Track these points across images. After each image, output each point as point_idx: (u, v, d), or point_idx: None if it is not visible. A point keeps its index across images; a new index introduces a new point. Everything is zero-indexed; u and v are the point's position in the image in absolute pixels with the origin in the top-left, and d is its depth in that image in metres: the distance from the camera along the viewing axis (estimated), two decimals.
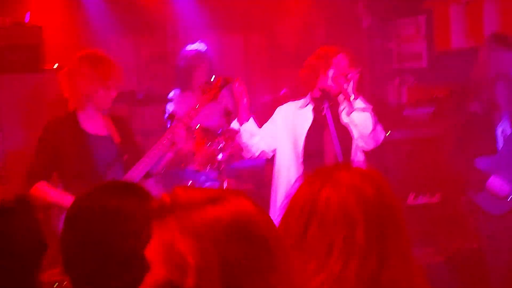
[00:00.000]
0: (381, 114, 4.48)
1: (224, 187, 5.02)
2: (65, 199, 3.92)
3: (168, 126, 5.22)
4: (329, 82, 4.27)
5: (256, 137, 4.31)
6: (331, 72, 4.27)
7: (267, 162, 5.17)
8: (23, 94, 5.51)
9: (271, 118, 4.43)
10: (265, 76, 7.04)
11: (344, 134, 4.28)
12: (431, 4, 6.75)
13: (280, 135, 4.35)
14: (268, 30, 7.15)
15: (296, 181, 1.64)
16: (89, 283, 1.83)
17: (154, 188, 4.35)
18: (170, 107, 5.34)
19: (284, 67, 6.75)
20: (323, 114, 4.23)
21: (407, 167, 5.94)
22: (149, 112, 6.07)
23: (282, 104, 4.52)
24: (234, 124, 4.35)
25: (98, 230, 1.83)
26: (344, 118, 4.33)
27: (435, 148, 5.02)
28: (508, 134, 4.52)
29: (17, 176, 4.59)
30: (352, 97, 4.21)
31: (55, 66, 5.22)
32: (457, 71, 4.89)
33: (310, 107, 4.36)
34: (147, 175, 4.22)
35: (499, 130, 4.53)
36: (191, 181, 5.23)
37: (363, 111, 4.21)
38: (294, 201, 1.60)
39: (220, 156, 5.07)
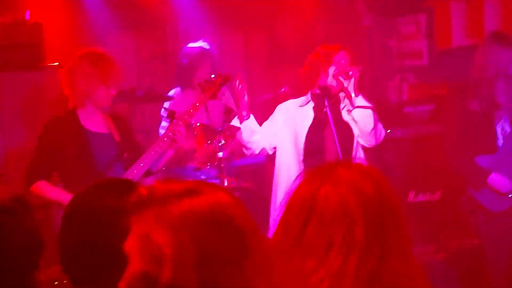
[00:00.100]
0: (381, 112, 4.48)
1: (225, 185, 5.02)
2: (65, 197, 3.92)
3: (163, 121, 5.22)
4: (330, 80, 4.27)
5: (256, 135, 4.31)
6: (331, 70, 4.27)
7: (268, 160, 5.17)
8: (23, 92, 5.51)
9: (271, 116, 4.43)
10: (265, 74, 7.04)
11: (345, 132, 4.28)
12: (432, 2, 6.75)
13: (280, 133, 4.35)
14: (269, 28, 7.15)
15: (296, 179, 1.64)
16: (87, 282, 1.83)
17: None
18: (167, 105, 5.33)
19: (284, 65, 6.74)
20: (324, 112, 4.23)
21: (407, 165, 5.93)
22: (149, 110, 6.06)
23: (282, 102, 4.52)
24: (235, 122, 4.34)
25: (96, 229, 1.83)
26: (345, 115, 4.33)
27: (435, 146, 5.01)
28: (508, 131, 4.52)
29: (17, 174, 4.59)
30: (353, 95, 4.21)
31: (56, 64, 5.21)
32: (458, 69, 4.88)
33: (310, 105, 4.35)
34: (147, 173, 4.22)
35: (498, 128, 4.53)
36: (191, 179, 5.22)
37: (364, 108, 4.21)
38: (294, 198, 1.60)
39: (220, 154, 5.07)
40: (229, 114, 5.15)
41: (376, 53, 7.04)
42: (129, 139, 4.32)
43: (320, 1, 6.86)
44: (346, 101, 4.31)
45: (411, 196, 5.74)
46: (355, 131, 4.30)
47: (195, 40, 5.84)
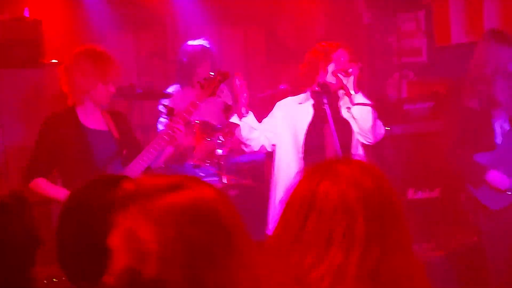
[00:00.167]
0: (381, 109, 4.48)
1: (224, 182, 5.02)
2: (64, 194, 3.91)
3: (162, 118, 5.22)
4: (329, 77, 4.26)
5: (255, 132, 4.31)
6: (331, 67, 4.27)
7: (267, 158, 5.17)
8: (23, 89, 5.52)
9: (270, 113, 4.43)
10: (264, 71, 7.03)
11: (345, 129, 4.28)
12: None
13: (280, 130, 4.34)
14: (268, 25, 7.14)
15: (295, 176, 1.64)
16: (84, 278, 1.83)
17: None
18: (168, 103, 5.33)
19: (283, 62, 6.74)
20: (323, 109, 4.23)
21: (407, 162, 5.94)
22: (148, 107, 6.06)
23: (281, 99, 4.51)
24: (234, 119, 4.34)
25: (93, 225, 1.83)
26: (344, 113, 4.33)
27: (435, 143, 5.01)
28: (507, 129, 4.52)
29: (16, 171, 4.59)
30: (353, 92, 4.21)
31: (55, 61, 5.21)
32: (457, 66, 4.88)
33: (310, 102, 4.35)
34: (147, 170, 4.22)
35: (497, 126, 4.54)
36: None
37: (364, 106, 4.21)
38: (294, 195, 1.60)
39: (219, 151, 5.07)
40: (228, 111, 5.15)
41: (376, 50, 7.03)
42: (128, 136, 4.32)
43: None
44: (346, 98, 4.30)
45: (410, 193, 5.75)
46: (355, 128, 4.30)
47: (194, 38, 5.84)
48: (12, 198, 2.01)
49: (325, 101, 4.22)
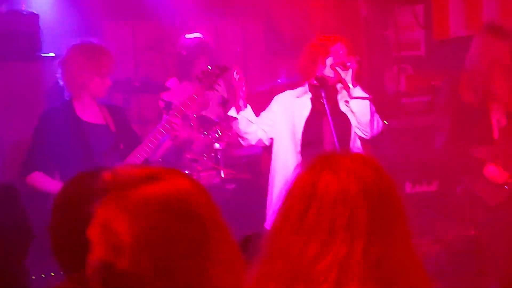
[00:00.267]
0: (379, 103, 4.48)
1: (222, 176, 5.02)
2: None
3: (165, 115, 5.21)
4: (327, 70, 4.25)
5: (253, 126, 4.30)
6: (329, 61, 4.25)
7: (265, 151, 5.16)
8: (19, 83, 5.49)
9: (268, 106, 4.42)
10: (262, 65, 7.02)
11: (343, 123, 4.27)
12: None
13: (278, 123, 4.33)
14: (266, 18, 7.12)
15: (295, 168, 1.63)
16: (78, 269, 1.82)
17: None
18: (165, 96, 5.32)
19: (281, 55, 6.72)
20: (321, 102, 4.22)
21: (404, 156, 5.93)
22: (145, 100, 6.05)
23: (279, 93, 4.50)
24: (232, 112, 4.33)
25: (85, 217, 1.82)
26: (342, 106, 4.32)
27: (432, 137, 5.01)
28: (504, 123, 4.52)
29: (13, 165, 4.58)
30: (351, 85, 4.20)
31: (51, 54, 5.19)
32: (456, 60, 4.87)
33: (308, 96, 4.34)
34: (144, 164, 4.21)
35: (494, 119, 4.54)
36: (187, 171, 5.22)
37: (362, 99, 4.20)
38: (294, 186, 1.59)
39: (217, 145, 5.07)
40: (225, 105, 5.14)
41: (374, 43, 7.02)
42: (126, 130, 4.32)
43: None
44: (344, 92, 4.30)
45: (408, 187, 5.74)
46: (353, 122, 4.30)
47: (191, 30, 5.83)
48: (3, 191, 2.00)
49: (323, 94, 4.21)
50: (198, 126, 5.24)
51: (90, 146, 4.14)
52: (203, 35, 5.78)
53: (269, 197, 4.38)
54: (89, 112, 4.21)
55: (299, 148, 4.29)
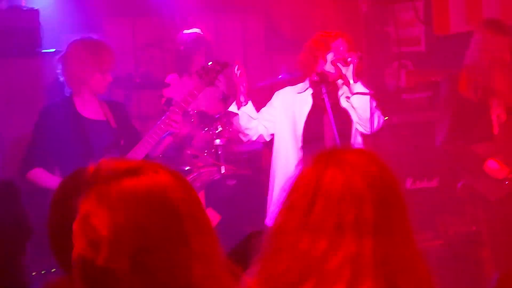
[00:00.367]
0: (379, 99, 4.47)
1: (222, 172, 5.02)
2: None
3: (165, 111, 5.21)
4: (328, 66, 4.25)
5: (254, 121, 4.29)
6: (330, 57, 4.25)
7: (265, 147, 5.16)
8: (20, 79, 5.48)
9: (269, 102, 4.41)
10: (263, 60, 7.01)
11: (344, 119, 4.27)
12: None
13: (278, 119, 4.33)
14: (266, 14, 7.11)
15: (297, 165, 1.63)
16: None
17: None
18: (166, 92, 5.32)
19: (282, 51, 6.71)
20: (322, 98, 4.22)
21: (405, 152, 5.93)
22: (146, 96, 6.05)
23: (280, 89, 4.50)
24: (232, 108, 4.32)
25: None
26: (343, 102, 4.32)
27: (433, 132, 5.01)
28: (504, 118, 4.52)
29: (13, 161, 4.57)
30: (352, 81, 4.19)
31: (52, 50, 5.19)
32: (456, 56, 4.86)
33: (309, 92, 4.34)
34: (144, 160, 4.20)
35: (494, 115, 4.53)
36: (188, 166, 5.22)
37: (363, 95, 4.20)
38: (298, 182, 1.58)
39: (217, 141, 5.06)
40: (226, 101, 5.13)
41: (374, 39, 7.01)
42: (126, 126, 4.32)
43: None
44: (345, 87, 4.29)
45: (408, 183, 5.74)
46: (354, 117, 4.29)
47: (191, 27, 5.83)
48: (2, 188, 2.00)
49: (324, 90, 4.20)
50: (199, 122, 5.24)
51: (90, 142, 4.14)
52: (201, 30, 5.78)
53: (270, 193, 4.38)
54: (90, 108, 4.21)
55: (300, 144, 4.28)
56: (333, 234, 1.50)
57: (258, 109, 4.36)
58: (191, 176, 5.04)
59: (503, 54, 4.47)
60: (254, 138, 4.37)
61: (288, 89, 4.43)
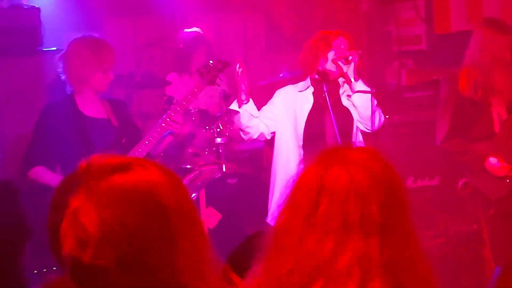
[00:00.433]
0: (380, 97, 4.47)
1: (223, 171, 5.01)
2: None
3: (167, 110, 5.21)
4: (329, 65, 4.25)
5: (255, 120, 4.29)
6: (331, 55, 4.25)
7: (266, 145, 5.16)
8: (21, 77, 5.49)
9: (270, 100, 4.41)
10: (263, 59, 7.01)
11: (344, 117, 4.27)
12: None
13: (279, 118, 4.33)
14: (267, 13, 7.11)
15: (299, 163, 1.62)
16: None
17: None
18: (167, 91, 5.32)
19: (283, 50, 6.71)
20: (323, 97, 4.22)
21: (406, 150, 5.93)
22: (147, 95, 6.05)
23: (281, 87, 4.49)
24: (233, 106, 4.32)
25: None
26: (344, 101, 4.32)
27: (434, 131, 5.00)
28: (504, 117, 4.52)
29: (14, 160, 4.57)
30: (353, 79, 4.19)
31: (53, 49, 5.19)
32: (457, 55, 4.86)
33: (310, 90, 4.34)
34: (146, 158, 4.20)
35: (495, 113, 4.53)
36: (189, 165, 5.22)
37: (364, 93, 4.20)
38: (301, 180, 1.57)
39: (218, 140, 5.06)
40: (227, 99, 5.13)
41: (375, 38, 7.01)
42: (127, 124, 4.31)
43: None
44: (346, 86, 4.29)
45: (409, 181, 5.74)
46: (355, 116, 4.29)
47: (192, 26, 5.83)
48: (1, 187, 2.00)
49: (325, 89, 4.20)
50: (200, 120, 5.24)
51: (92, 141, 4.13)
52: (202, 30, 5.78)
53: (271, 191, 4.38)
54: (91, 107, 4.21)
55: (301, 142, 4.28)
56: (339, 233, 1.49)
57: (259, 107, 4.35)
58: (192, 175, 5.04)
59: (503, 53, 4.47)
60: (255, 137, 4.37)
61: (289, 88, 4.43)
